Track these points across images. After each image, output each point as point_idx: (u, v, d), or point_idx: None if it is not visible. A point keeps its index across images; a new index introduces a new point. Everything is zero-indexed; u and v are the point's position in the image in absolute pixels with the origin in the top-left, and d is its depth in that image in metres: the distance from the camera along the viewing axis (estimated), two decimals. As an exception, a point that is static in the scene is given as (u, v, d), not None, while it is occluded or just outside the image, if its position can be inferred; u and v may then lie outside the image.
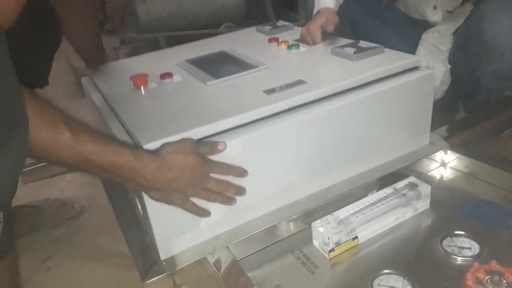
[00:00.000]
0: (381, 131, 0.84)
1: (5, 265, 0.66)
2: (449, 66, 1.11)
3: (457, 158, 0.90)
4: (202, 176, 0.65)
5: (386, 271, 0.64)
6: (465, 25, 1.08)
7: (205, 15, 2.43)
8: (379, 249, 0.70)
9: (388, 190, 0.76)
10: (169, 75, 0.87)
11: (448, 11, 1.18)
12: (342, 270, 0.67)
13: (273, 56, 0.97)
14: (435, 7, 1.19)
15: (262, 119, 0.72)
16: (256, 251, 0.72)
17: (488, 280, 0.59)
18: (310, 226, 0.71)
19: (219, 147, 0.65)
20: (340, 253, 0.69)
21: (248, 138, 0.69)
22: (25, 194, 1.11)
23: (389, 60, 0.85)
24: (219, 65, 0.93)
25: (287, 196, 0.78)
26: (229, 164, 0.67)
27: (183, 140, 0.64)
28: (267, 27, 1.16)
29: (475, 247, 0.67)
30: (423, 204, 0.77)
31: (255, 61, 0.91)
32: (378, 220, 0.72)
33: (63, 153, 0.54)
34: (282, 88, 0.77)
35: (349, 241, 0.69)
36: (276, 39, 1.03)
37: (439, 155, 0.91)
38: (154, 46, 2.49)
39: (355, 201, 0.74)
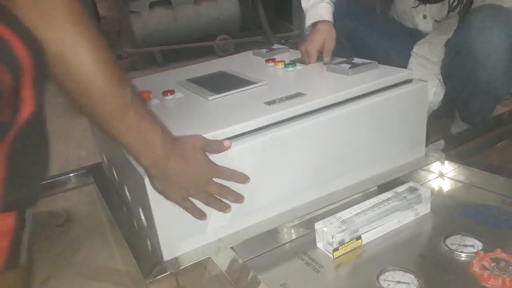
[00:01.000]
0: (377, 141, 0.86)
1: (19, 272, 0.59)
2: (441, 78, 1.13)
3: (454, 168, 0.92)
4: (206, 177, 0.65)
5: (391, 267, 0.65)
6: (455, 37, 1.10)
7: (200, 28, 2.46)
8: (383, 249, 0.72)
9: (388, 194, 0.77)
10: (171, 92, 0.89)
11: (436, 21, 1.21)
12: (347, 269, 0.69)
13: (271, 74, 0.99)
14: (425, 16, 1.22)
15: (264, 127, 0.74)
16: (261, 254, 0.74)
17: (495, 266, 0.61)
18: (313, 230, 0.72)
19: (225, 144, 0.67)
20: (344, 253, 0.70)
21: (251, 146, 0.71)
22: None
23: (383, 74, 0.88)
24: (219, 83, 0.95)
25: (288, 202, 0.79)
26: (233, 170, 0.69)
27: (194, 134, 0.66)
28: (263, 50, 1.19)
29: (478, 245, 0.69)
30: (424, 208, 0.78)
31: (254, 78, 0.93)
32: (380, 221, 0.73)
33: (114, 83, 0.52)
34: (282, 99, 0.79)
35: (352, 241, 0.71)
36: (273, 59, 1.05)
37: (436, 166, 0.93)
38: (150, 60, 2.51)
39: (357, 206, 0.75)
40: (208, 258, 0.70)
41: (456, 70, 1.10)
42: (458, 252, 0.68)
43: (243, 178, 0.70)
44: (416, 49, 1.18)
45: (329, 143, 0.79)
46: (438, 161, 0.93)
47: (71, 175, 1.18)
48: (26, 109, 0.44)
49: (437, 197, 0.82)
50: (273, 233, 0.75)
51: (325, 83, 0.88)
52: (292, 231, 0.77)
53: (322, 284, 0.66)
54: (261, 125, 0.74)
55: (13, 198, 0.46)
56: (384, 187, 0.84)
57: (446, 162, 0.92)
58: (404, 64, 1.16)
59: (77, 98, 0.52)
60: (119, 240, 0.86)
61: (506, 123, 1.15)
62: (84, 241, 1.02)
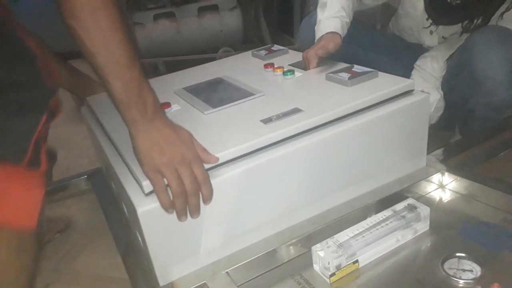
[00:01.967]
0: (377, 154, 0.84)
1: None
2: (442, 93, 1.13)
3: (455, 180, 0.90)
4: (183, 155, 0.63)
5: None
6: (458, 55, 1.09)
7: (203, 40, 2.48)
8: (380, 273, 0.70)
9: (387, 213, 0.76)
10: (167, 104, 0.88)
11: (443, 37, 1.20)
12: None
13: (269, 82, 0.98)
14: (431, 33, 1.21)
15: (260, 149, 0.73)
16: (256, 276, 0.72)
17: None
18: (310, 250, 0.71)
19: (213, 159, 0.67)
20: (341, 277, 0.69)
21: (247, 169, 0.70)
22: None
23: (384, 84, 0.86)
24: (216, 93, 0.94)
25: (286, 220, 0.78)
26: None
27: None
28: (263, 52, 1.18)
29: (477, 270, 0.67)
30: (423, 226, 0.77)
31: (252, 88, 0.93)
32: (378, 243, 0.72)
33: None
34: (278, 116, 0.78)
35: (349, 265, 0.69)
36: (272, 65, 1.04)
37: (437, 177, 0.91)
38: (153, 71, 2.53)
39: (355, 223, 0.74)
40: (204, 283, 0.69)
41: (457, 87, 1.09)
42: (457, 278, 0.66)
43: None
44: (419, 62, 1.18)
45: (328, 160, 0.78)
46: (438, 173, 0.91)
47: (71, 181, 1.18)
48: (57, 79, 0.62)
49: (437, 212, 0.80)
50: (269, 254, 0.74)
51: (323, 96, 0.86)
52: (288, 251, 0.76)
53: None
54: (256, 148, 0.72)
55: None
56: (383, 202, 0.82)
57: (447, 174, 0.91)
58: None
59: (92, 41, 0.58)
60: (117, 251, 0.85)
61: (509, 131, 1.13)
62: (84, 248, 1.02)
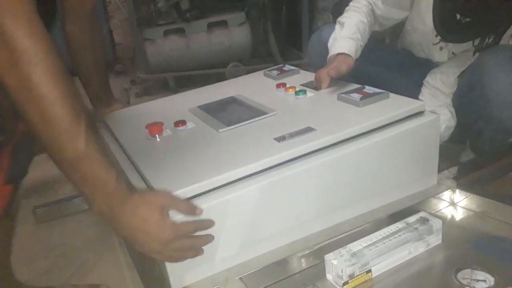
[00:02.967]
0: (388, 173, 0.86)
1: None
2: (453, 110, 1.13)
3: (466, 197, 0.91)
4: (160, 239, 0.62)
5: None
6: (469, 73, 1.09)
7: (212, 56, 2.51)
8: (393, 282, 0.71)
9: (399, 225, 0.77)
10: (182, 122, 0.90)
11: (453, 53, 1.20)
12: None
13: (282, 101, 1.00)
14: (441, 48, 1.21)
15: (274, 167, 0.74)
16: (269, 284, 0.73)
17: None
18: (323, 261, 0.72)
19: (197, 212, 0.65)
20: (354, 287, 0.70)
21: (261, 186, 0.72)
22: (38, 235, 1.12)
23: (395, 105, 0.87)
24: (230, 112, 0.96)
25: (298, 232, 0.79)
26: (195, 222, 0.66)
27: (158, 192, 0.65)
28: (275, 72, 1.20)
29: (490, 280, 0.68)
30: (435, 239, 0.78)
31: (265, 107, 0.94)
32: (391, 254, 0.73)
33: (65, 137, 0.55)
34: (292, 135, 0.80)
35: (362, 274, 0.70)
36: (284, 84, 1.06)
37: (448, 194, 0.92)
38: (163, 86, 2.56)
39: (367, 236, 0.75)
40: None
41: (468, 104, 1.09)
42: (470, 287, 0.67)
43: (208, 224, 0.67)
44: (428, 78, 1.18)
45: (339, 178, 0.80)
46: (449, 190, 0.92)
47: (81, 197, 1.19)
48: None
49: (449, 227, 0.81)
50: (282, 263, 0.75)
51: (335, 116, 0.88)
52: (301, 261, 0.77)
53: None
54: (270, 165, 0.74)
55: (12, 176, 0.77)
56: (395, 216, 0.83)
57: (458, 191, 0.92)
58: (415, 95, 1.16)
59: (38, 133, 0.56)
60: (130, 262, 0.86)
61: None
62: (96, 263, 1.02)
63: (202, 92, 1.16)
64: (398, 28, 1.35)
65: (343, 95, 0.93)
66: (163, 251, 0.63)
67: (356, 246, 0.72)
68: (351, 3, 1.21)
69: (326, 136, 0.79)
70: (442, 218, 0.86)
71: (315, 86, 1.04)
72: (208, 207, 0.68)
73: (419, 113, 0.87)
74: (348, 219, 0.83)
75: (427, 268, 0.74)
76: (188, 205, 0.65)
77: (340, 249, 0.72)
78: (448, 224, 0.84)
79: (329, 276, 0.72)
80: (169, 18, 2.43)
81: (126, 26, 2.94)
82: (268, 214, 0.74)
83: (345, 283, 0.69)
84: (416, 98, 1.12)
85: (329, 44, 1.14)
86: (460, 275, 0.70)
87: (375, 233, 0.75)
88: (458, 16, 1.02)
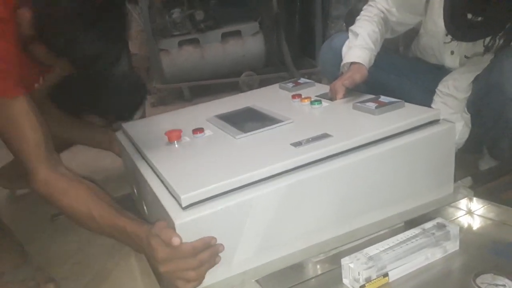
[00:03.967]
0: (404, 181, 0.86)
1: None
2: (468, 115, 1.12)
3: (483, 205, 0.90)
4: (159, 260, 0.66)
5: None
6: (485, 76, 1.08)
7: (226, 65, 2.53)
8: (411, 287, 0.71)
9: (416, 230, 0.77)
10: (200, 130, 0.92)
11: (465, 56, 1.20)
12: None
13: (297, 111, 1.01)
14: (452, 52, 1.21)
15: (291, 170, 0.76)
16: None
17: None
18: (339, 266, 0.72)
19: (173, 241, 0.65)
20: None
21: (278, 189, 0.73)
22: (54, 242, 1.14)
23: (410, 114, 0.88)
24: (246, 120, 0.98)
25: (314, 237, 0.80)
26: (192, 242, 0.67)
27: (156, 224, 0.69)
28: (290, 84, 1.21)
29: (510, 285, 0.67)
30: (453, 246, 0.77)
31: (281, 115, 0.96)
32: (408, 258, 0.72)
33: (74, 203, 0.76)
34: (308, 141, 0.81)
35: (379, 278, 0.70)
36: (299, 95, 1.07)
37: (464, 203, 0.92)
38: (178, 95, 2.59)
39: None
40: None
41: (486, 109, 1.08)
42: None
43: (208, 241, 0.68)
44: (441, 86, 1.17)
45: (356, 184, 0.80)
46: (466, 198, 0.92)
47: None
48: None
49: (466, 234, 0.81)
50: (298, 267, 0.75)
51: (351, 123, 0.90)
52: (317, 266, 0.77)
53: None
54: (287, 168, 0.75)
55: None
56: (411, 223, 0.83)
57: (475, 199, 0.91)
58: (428, 102, 1.16)
59: None
60: (144, 269, 0.87)
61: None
62: (112, 270, 1.04)
63: (218, 104, 1.18)
64: (412, 35, 1.35)
65: (359, 104, 0.94)
66: (170, 271, 0.67)
67: (372, 250, 0.72)
68: (362, 12, 1.22)
69: (343, 141, 0.80)
70: (459, 226, 0.87)
71: (330, 96, 1.05)
72: (225, 208, 0.69)
73: (435, 121, 0.88)
74: (364, 226, 0.84)
75: (445, 273, 0.74)
76: (167, 234, 0.66)
77: (356, 253, 0.72)
78: (465, 232, 0.84)
79: (345, 281, 0.72)
80: (183, 29, 2.47)
81: (141, 37, 2.98)
82: (285, 218, 0.75)
83: (362, 287, 0.69)
84: (429, 105, 1.13)
85: (343, 53, 1.15)
86: (479, 280, 0.69)
87: (391, 238, 0.75)
88: (469, 15, 1.02)
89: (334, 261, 0.76)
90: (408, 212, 0.88)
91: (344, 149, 0.79)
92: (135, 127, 1.05)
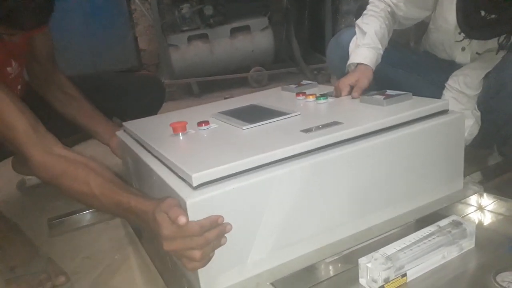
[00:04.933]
0: (414, 173, 0.85)
1: None
2: (478, 113, 1.10)
3: (495, 201, 0.89)
4: (164, 237, 0.63)
5: None
6: (496, 73, 1.06)
7: (235, 61, 2.53)
8: (429, 286, 0.69)
9: (432, 228, 0.75)
10: (206, 122, 0.91)
11: (477, 53, 1.18)
12: None
13: (303, 106, 1.00)
14: (463, 49, 1.19)
15: (303, 154, 0.74)
16: None
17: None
18: (355, 266, 0.71)
19: (179, 220, 0.61)
20: None
21: (290, 172, 0.71)
22: (64, 238, 1.14)
23: (419, 104, 0.87)
24: (252, 114, 0.96)
25: (326, 236, 0.78)
26: (199, 220, 0.64)
27: (164, 199, 0.66)
28: (292, 86, 1.20)
29: None
30: (469, 243, 0.76)
31: (287, 109, 0.94)
32: (425, 257, 0.71)
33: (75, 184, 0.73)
34: (318, 127, 0.80)
35: (398, 279, 0.68)
36: (304, 93, 1.06)
37: (475, 199, 0.90)
38: (187, 91, 2.59)
39: (397, 240, 0.73)
40: None
41: (497, 107, 1.06)
42: None
43: (215, 219, 0.65)
44: (451, 81, 1.16)
45: (367, 173, 0.79)
46: (476, 194, 0.90)
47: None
48: None
49: (479, 231, 0.78)
50: (314, 268, 0.74)
51: (360, 113, 0.89)
52: (333, 266, 0.75)
53: None
54: (300, 151, 0.74)
55: None
56: (422, 221, 0.82)
57: (485, 195, 0.90)
58: (437, 97, 1.14)
59: None
60: (153, 271, 0.87)
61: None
62: (122, 264, 1.03)
63: (221, 104, 1.16)
64: (422, 29, 1.33)
65: (366, 97, 0.94)
66: (175, 249, 0.64)
67: (390, 249, 0.70)
68: (368, 6, 1.21)
69: (353, 127, 0.78)
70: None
71: (335, 94, 1.04)
72: (238, 188, 0.68)
73: (443, 112, 0.87)
74: (376, 224, 0.82)
75: (463, 271, 0.72)
76: (175, 212, 0.63)
77: (373, 253, 0.70)
78: (478, 228, 0.82)
79: (362, 281, 0.70)
80: (193, 24, 2.47)
81: (151, 33, 2.99)
82: (298, 206, 0.73)
83: (381, 287, 0.67)
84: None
85: (350, 50, 1.14)
86: (499, 278, 0.67)
87: (407, 237, 0.73)
88: (482, 13, 0.99)
89: (349, 260, 0.74)
90: (419, 209, 0.86)
91: (355, 135, 0.78)
92: (138, 125, 1.03)
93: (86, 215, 1.18)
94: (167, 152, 0.79)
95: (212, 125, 0.92)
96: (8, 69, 0.92)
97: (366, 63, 1.07)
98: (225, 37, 2.48)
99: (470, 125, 1.10)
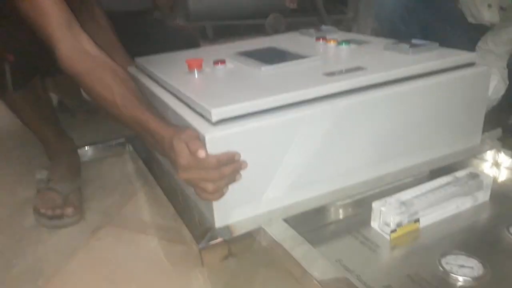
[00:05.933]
0: (434, 124, 0.84)
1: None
2: (506, 70, 1.08)
3: (511, 157, 0.88)
4: (180, 166, 0.63)
5: (454, 251, 0.64)
6: None
7: (253, 5, 2.46)
8: (442, 233, 0.70)
9: (448, 178, 0.75)
10: (222, 61, 0.88)
11: (501, 8, 1.14)
12: (405, 251, 0.67)
13: (324, 51, 0.97)
14: (490, 5, 1.16)
15: (326, 97, 0.73)
16: (313, 228, 0.73)
17: None
18: (367, 209, 0.71)
19: (199, 154, 0.61)
20: (401, 235, 0.69)
21: (312, 114, 0.70)
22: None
23: (445, 55, 0.85)
24: (271, 56, 0.94)
25: (341, 180, 0.78)
26: (217, 154, 0.64)
27: (186, 128, 0.66)
28: (312, 30, 1.16)
29: None
30: (483, 196, 0.76)
31: (307, 52, 0.92)
32: (439, 206, 0.71)
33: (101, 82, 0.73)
34: (341, 72, 0.78)
35: (410, 224, 0.69)
36: (324, 38, 1.03)
37: (491, 154, 0.89)
38: (201, 35, 2.54)
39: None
40: (260, 228, 0.69)
41: None
42: None
43: (232, 156, 0.65)
44: (480, 43, 1.12)
45: (389, 121, 0.78)
46: (493, 150, 0.89)
47: (110, 142, 1.22)
48: None
49: (494, 186, 0.78)
50: (327, 208, 0.75)
51: (384, 60, 0.86)
52: (346, 208, 0.76)
53: (380, 263, 0.65)
54: (322, 94, 0.72)
55: None
56: (436, 173, 0.81)
57: (503, 151, 0.89)
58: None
59: None
60: (164, 201, 0.88)
61: None
62: (131, 197, 1.05)
63: (237, 45, 1.12)
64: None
65: (391, 44, 0.91)
66: (190, 179, 0.64)
67: (404, 195, 0.71)
68: None
69: (378, 73, 0.77)
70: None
71: None
72: (258, 127, 0.67)
73: (469, 64, 0.85)
74: (391, 172, 0.82)
75: (476, 221, 0.72)
76: (195, 144, 0.63)
77: (387, 197, 0.70)
78: (493, 183, 0.81)
79: (374, 224, 0.71)
80: (210, -36, 2.38)
81: (166, -28, 2.89)
82: (316, 150, 0.73)
83: (393, 231, 0.68)
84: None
85: None
86: None
87: (423, 184, 0.73)
88: None
89: (363, 204, 0.75)
90: (434, 160, 0.86)
91: (380, 81, 0.76)
92: (151, 61, 1.00)
93: (97, 148, 1.21)
94: (183, 87, 0.77)
95: (229, 65, 0.90)
96: None
97: None
98: (244, -20, 2.40)
99: (495, 83, 1.07)
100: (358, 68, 0.79)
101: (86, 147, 1.19)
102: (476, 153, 0.89)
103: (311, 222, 0.73)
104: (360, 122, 0.75)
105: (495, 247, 0.65)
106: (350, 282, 0.56)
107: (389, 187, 0.78)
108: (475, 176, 0.75)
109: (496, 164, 0.89)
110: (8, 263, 0.83)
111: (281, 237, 0.66)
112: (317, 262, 0.60)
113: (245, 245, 0.69)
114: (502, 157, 0.89)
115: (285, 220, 0.70)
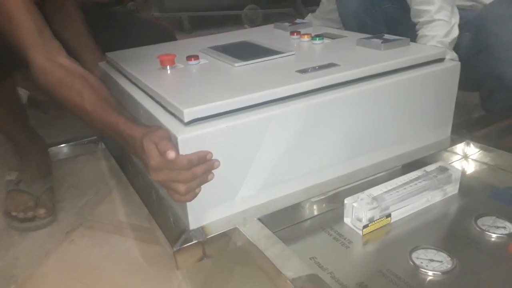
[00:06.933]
0: (405, 119, 0.85)
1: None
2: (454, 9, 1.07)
3: (480, 150, 0.90)
4: (151, 167, 0.62)
5: (424, 245, 0.66)
6: (476, 30, 1.08)
7: (229, -3, 2.43)
8: (412, 227, 0.71)
9: (418, 172, 0.77)
10: (195, 57, 0.87)
11: None
12: (377, 246, 0.68)
13: (298, 45, 0.97)
14: None
15: (298, 95, 0.73)
16: (287, 226, 0.73)
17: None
18: (340, 205, 0.72)
19: (168, 155, 0.60)
20: (373, 230, 0.70)
21: (285, 112, 0.70)
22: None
23: (416, 51, 0.87)
24: (244, 51, 0.93)
25: (316, 176, 0.79)
26: (188, 154, 0.63)
27: (156, 128, 0.64)
28: (286, 24, 1.16)
29: (510, 227, 0.68)
30: (452, 189, 0.78)
31: (281, 48, 0.92)
32: (410, 200, 0.73)
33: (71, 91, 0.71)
34: (314, 68, 0.78)
35: (382, 219, 0.70)
36: (298, 32, 1.03)
37: (461, 147, 0.92)
38: (178, 26, 2.50)
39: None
40: (235, 228, 0.69)
41: (479, 64, 1.08)
42: (490, 233, 0.68)
43: (204, 155, 0.64)
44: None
45: (361, 117, 0.79)
46: (463, 143, 0.92)
47: (82, 140, 1.20)
48: None
49: (463, 178, 0.81)
50: (300, 206, 0.75)
51: (357, 56, 0.87)
52: (319, 205, 0.77)
53: (353, 260, 0.66)
54: (295, 92, 0.72)
55: None
56: (408, 167, 0.83)
57: (472, 144, 0.91)
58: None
59: None
60: (138, 200, 0.88)
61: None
62: (107, 194, 1.04)
63: (211, 38, 1.11)
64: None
65: (364, 40, 0.92)
66: (161, 180, 0.63)
67: (376, 190, 0.72)
68: None
69: (350, 70, 0.77)
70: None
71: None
72: (231, 126, 0.66)
73: (439, 60, 0.87)
74: (363, 167, 0.83)
75: (445, 215, 0.74)
76: (165, 146, 0.61)
77: (359, 193, 0.71)
78: (462, 176, 0.83)
79: (347, 220, 0.72)
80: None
81: (140, -38, 2.83)
82: (289, 147, 0.73)
83: (365, 227, 0.69)
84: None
85: None
86: (480, 222, 0.70)
87: (394, 180, 0.74)
88: None
89: (334, 201, 0.76)
90: (406, 155, 0.87)
91: (352, 78, 0.77)
92: (122, 56, 0.98)
93: (69, 147, 1.18)
94: (155, 86, 0.76)
95: (202, 60, 0.89)
96: None
97: None
98: (219, -30, 2.37)
99: (447, 18, 1.04)
100: (331, 65, 0.80)
101: (57, 145, 1.16)
102: (446, 146, 0.91)
103: (285, 220, 0.74)
104: (333, 118, 0.76)
105: (463, 240, 0.67)
106: (322, 281, 0.56)
107: (362, 182, 0.79)
108: (444, 170, 0.77)
109: (465, 157, 0.91)
110: (-22, 268, 0.81)
111: (256, 237, 0.66)
112: (290, 262, 0.60)
113: (221, 246, 0.69)
114: (471, 150, 0.91)
115: (260, 219, 0.70)
